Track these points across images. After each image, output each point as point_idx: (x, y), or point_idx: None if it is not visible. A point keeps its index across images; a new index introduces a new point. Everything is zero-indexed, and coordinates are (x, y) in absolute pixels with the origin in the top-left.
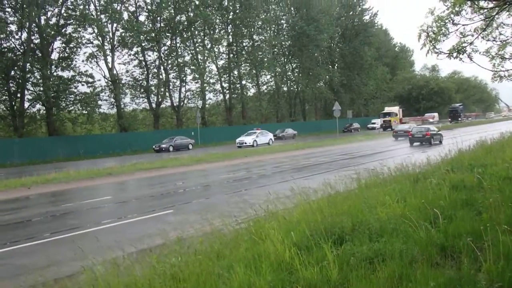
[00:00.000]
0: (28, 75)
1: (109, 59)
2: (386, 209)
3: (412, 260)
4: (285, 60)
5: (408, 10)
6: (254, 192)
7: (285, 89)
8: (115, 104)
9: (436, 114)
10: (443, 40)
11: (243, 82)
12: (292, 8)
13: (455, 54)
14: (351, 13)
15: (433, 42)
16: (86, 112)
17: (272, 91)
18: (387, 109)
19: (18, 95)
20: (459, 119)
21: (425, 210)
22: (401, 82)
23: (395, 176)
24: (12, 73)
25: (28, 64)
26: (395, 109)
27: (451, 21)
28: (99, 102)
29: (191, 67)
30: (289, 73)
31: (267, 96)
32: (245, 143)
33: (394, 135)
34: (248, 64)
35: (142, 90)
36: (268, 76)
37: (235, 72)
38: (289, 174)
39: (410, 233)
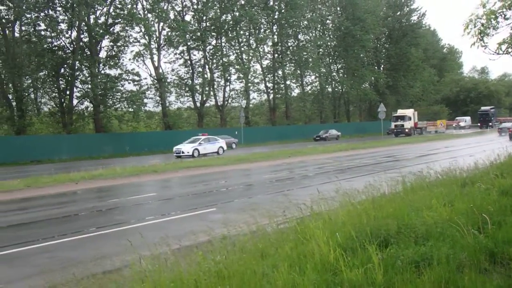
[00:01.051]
0: (77, 73)
1: (155, 58)
2: (433, 212)
3: (460, 266)
4: (330, 60)
5: (458, 9)
6: (297, 192)
7: (329, 89)
8: (160, 102)
9: (468, 118)
10: (492, 35)
11: (287, 82)
12: (338, 8)
13: (504, 48)
14: (398, 13)
15: (481, 34)
16: (132, 110)
17: (316, 91)
18: (400, 112)
19: (67, 92)
20: (490, 124)
21: (473, 215)
22: (449, 84)
23: (441, 180)
24: (62, 71)
25: (77, 62)
26: (410, 111)
27: (503, 15)
28: (145, 100)
29: (236, 67)
30: (334, 73)
31: (311, 96)
32: (183, 153)
33: (499, 131)
34: (292, 64)
35: (187, 89)
36: (313, 77)
37: (280, 72)
38: (332, 175)
39: (457, 238)
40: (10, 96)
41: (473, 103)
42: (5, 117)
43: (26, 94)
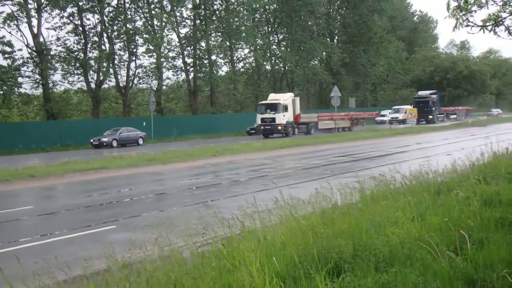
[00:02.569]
0: None
1: (34, 22)
2: (398, 229)
3: None
4: (269, 29)
5: None
6: (224, 203)
7: (268, 67)
8: (41, 82)
9: (407, 108)
10: (475, 11)
11: (213, 57)
12: None
13: (489, 26)
14: None
15: (464, 12)
16: (2, 92)
17: (251, 70)
18: (271, 98)
19: None
20: (430, 116)
21: (449, 231)
22: (421, 62)
23: (410, 186)
24: None
25: None
26: (287, 97)
27: None
28: (20, 80)
29: (144, 36)
30: (274, 46)
31: (244, 76)
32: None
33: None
34: (219, 34)
35: (77, 64)
36: (246, 51)
37: (203, 44)
38: (271, 180)
39: (428, 262)
40: None
41: (451, 87)
42: None
43: None
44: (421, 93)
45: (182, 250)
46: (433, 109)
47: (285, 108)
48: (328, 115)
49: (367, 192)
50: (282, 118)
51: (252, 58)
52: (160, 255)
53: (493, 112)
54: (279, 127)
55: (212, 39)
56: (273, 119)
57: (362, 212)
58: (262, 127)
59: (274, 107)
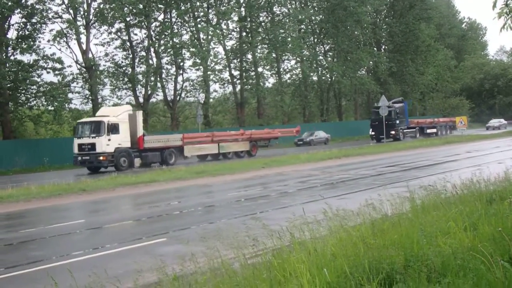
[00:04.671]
0: None
1: (83, 38)
2: (450, 239)
3: None
4: (315, 40)
5: None
6: (273, 215)
7: (315, 78)
8: (90, 98)
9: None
10: None
11: (260, 69)
12: None
13: None
14: None
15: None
16: (53, 108)
17: (298, 81)
18: (100, 114)
19: None
20: (392, 132)
21: (503, 241)
22: (470, 70)
23: (461, 196)
24: None
25: None
26: (119, 112)
27: None
28: (70, 95)
29: (191, 49)
30: (321, 57)
31: (291, 88)
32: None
33: None
34: (266, 46)
35: (125, 79)
36: (293, 62)
37: (249, 56)
38: (320, 191)
39: (482, 272)
40: None
41: (502, 94)
42: None
43: None
44: (384, 103)
45: (232, 262)
46: (397, 122)
47: (112, 129)
48: (206, 135)
49: (417, 202)
50: (106, 144)
51: (299, 69)
52: (211, 267)
53: (494, 124)
54: (101, 158)
55: (258, 51)
56: (92, 146)
57: (412, 223)
58: (79, 158)
59: (95, 128)
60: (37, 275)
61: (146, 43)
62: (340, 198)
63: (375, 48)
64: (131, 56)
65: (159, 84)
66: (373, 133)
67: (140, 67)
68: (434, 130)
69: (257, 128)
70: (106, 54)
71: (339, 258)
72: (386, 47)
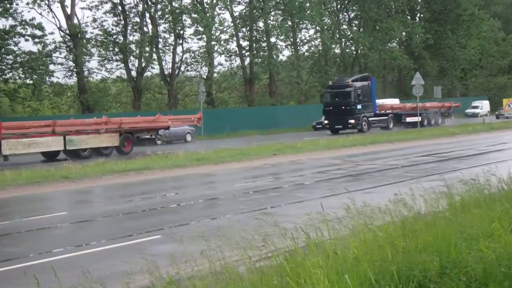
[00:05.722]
0: None
1: (68, 1)
2: (494, 243)
3: None
4: (339, 6)
5: None
6: (286, 210)
7: (337, 51)
8: (75, 70)
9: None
10: None
11: (272, 39)
12: None
13: None
14: None
15: None
16: (32, 81)
17: (317, 54)
18: None
19: None
20: (352, 120)
21: None
22: None
23: (508, 192)
24: None
25: None
26: None
27: None
28: (51, 67)
29: (192, 15)
30: (344, 26)
31: (309, 62)
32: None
33: None
34: (280, 12)
35: (116, 49)
36: (311, 31)
37: (260, 24)
38: (341, 184)
39: None
40: None
41: None
42: None
43: None
44: (338, 81)
45: (237, 265)
46: (358, 107)
47: None
48: (45, 124)
49: (456, 199)
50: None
51: (319, 40)
52: (212, 270)
53: (476, 110)
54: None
55: (272, 18)
56: None
57: (450, 223)
58: None
59: None
60: (12, 274)
61: (140, 8)
62: (365, 192)
63: (408, 17)
64: (122, 22)
65: (155, 56)
66: (326, 121)
67: (133, 36)
68: (417, 119)
69: (144, 114)
70: (94, 20)
71: (362, 263)
72: (421, 15)
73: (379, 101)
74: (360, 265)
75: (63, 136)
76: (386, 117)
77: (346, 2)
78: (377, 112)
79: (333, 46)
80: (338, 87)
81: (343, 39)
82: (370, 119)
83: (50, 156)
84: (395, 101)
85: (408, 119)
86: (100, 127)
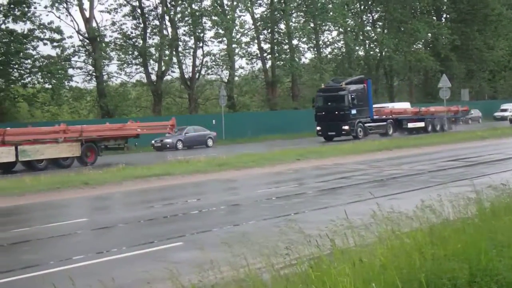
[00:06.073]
0: None
1: (86, 4)
2: None
3: None
4: (362, 7)
5: None
6: (310, 217)
7: (361, 53)
8: (94, 74)
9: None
10: None
11: (294, 41)
12: None
13: None
14: None
15: None
16: (50, 86)
17: (341, 56)
18: None
19: None
20: (346, 127)
21: None
22: None
23: None
24: None
25: None
26: None
27: None
28: (70, 71)
29: (213, 18)
30: (368, 28)
31: (333, 64)
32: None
33: None
34: (302, 13)
35: (135, 53)
36: (334, 33)
37: (282, 26)
38: (366, 189)
39: None
40: None
41: None
42: None
43: None
44: (330, 83)
45: (261, 272)
46: (352, 112)
47: None
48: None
49: (485, 205)
50: None
51: (342, 42)
52: (236, 278)
53: (505, 113)
54: None
55: (293, 20)
56: None
57: (480, 229)
58: None
59: None
60: (31, 282)
61: (159, 10)
62: (391, 198)
63: (434, 17)
64: (142, 25)
65: (175, 59)
66: (318, 128)
67: (153, 39)
68: (421, 124)
69: (118, 121)
70: (113, 23)
71: (389, 271)
72: (447, 16)
73: (377, 106)
74: (387, 273)
75: (15, 146)
76: (385, 123)
77: (369, 3)
78: (374, 117)
79: (357, 48)
80: (330, 90)
81: (367, 41)
82: (366, 124)
83: (5, 168)
84: (404, 105)
85: (410, 125)
86: (58, 136)
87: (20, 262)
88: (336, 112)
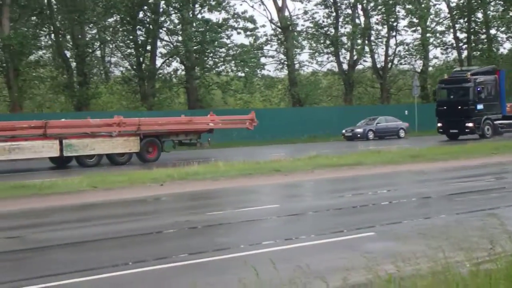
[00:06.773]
0: (162, 19)
1: None
2: None
3: None
4: None
5: None
6: (510, 212)
7: None
8: (286, 63)
9: None
10: None
11: (492, 31)
12: None
13: None
14: None
15: None
16: (243, 74)
17: None
18: None
19: (148, 48)
20: (469, 124)
21: None
22: None
23: None
24: (140, 15)
25: (162, 2)
26: None
27: None
28: (262, 60)
29: (407, 7)
30: None
31: None
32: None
33: None
34: (501, 1)
35: (327, 42)
36: None
37: (479, 15)
38: None
39: None
40: (68, 54)
41: None
42: (60, 84)
43: (90, 50)
44: (454, 74)
45: (459, 266)
46: (478, 107)
47: None
48: (34, 125)
49: None
50: None
51: None
52: (431, 269)
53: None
54: None
55: (491, 8)
56: None
57: None
58: None
59: None
60: (224, 263)
61: (352, 0)
62: None
63: None
64: (334, 14)
65: (367, 48)
66: (439, 124)
67: (345, 28)
68: None
69: (170, 115)
70: (305, 12)
71: None
72: None
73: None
74: None
75: (59, 139)
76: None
77: None
78: (507, 114)
79: None
80: (453, 82)
81: None
82: (496, 122)
83: (59, 163)
84: None
85: None
86: (112, 129)
87: (213, 244)
88: (459, 107)
